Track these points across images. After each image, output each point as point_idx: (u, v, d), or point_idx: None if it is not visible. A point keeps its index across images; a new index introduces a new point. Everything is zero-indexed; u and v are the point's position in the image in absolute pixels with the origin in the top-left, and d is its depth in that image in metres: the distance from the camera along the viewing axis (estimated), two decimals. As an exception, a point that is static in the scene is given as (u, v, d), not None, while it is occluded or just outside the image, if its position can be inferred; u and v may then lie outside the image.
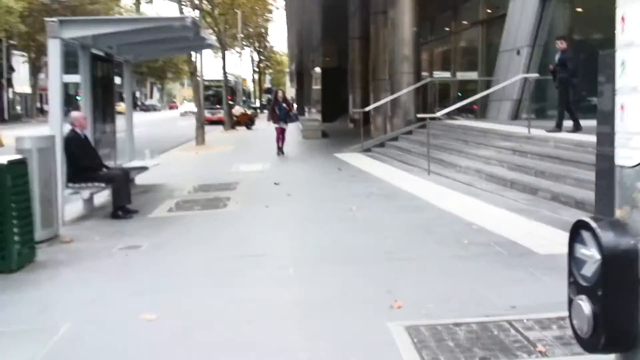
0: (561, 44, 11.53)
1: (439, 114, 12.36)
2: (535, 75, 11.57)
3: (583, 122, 11.68)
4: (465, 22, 21.93)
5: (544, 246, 5.84)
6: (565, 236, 6.14)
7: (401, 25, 18.76)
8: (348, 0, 22.43)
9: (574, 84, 11.53)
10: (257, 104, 59.17)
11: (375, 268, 5.43)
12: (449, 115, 18.46)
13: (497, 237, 6.31)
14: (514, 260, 5.48)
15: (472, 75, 20.76)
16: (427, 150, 11.87)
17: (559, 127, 11.52)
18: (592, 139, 10.19)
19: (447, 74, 23.23)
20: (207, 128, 26.93)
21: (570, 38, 14.59)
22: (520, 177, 9.39)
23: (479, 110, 17.66)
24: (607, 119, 5.38)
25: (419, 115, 14.22)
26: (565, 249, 2.14)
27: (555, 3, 14.72)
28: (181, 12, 24.07)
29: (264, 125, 32.35)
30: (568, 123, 11.40)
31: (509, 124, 13.91)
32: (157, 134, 27.41)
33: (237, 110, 35.08)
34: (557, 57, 11.64)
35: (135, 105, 75.67)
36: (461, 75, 22.55)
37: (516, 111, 15.80)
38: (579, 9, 14.83)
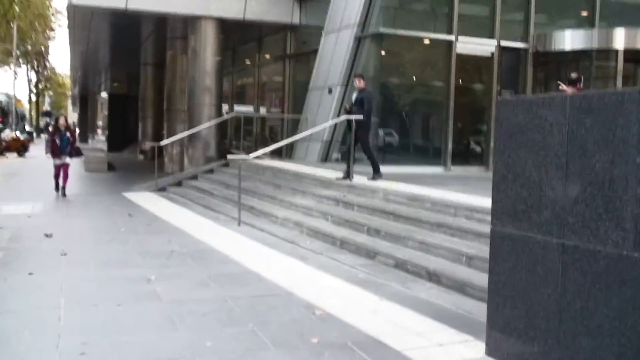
0: (359, 82, 10.62)
1: (252, 155, 10.75)
2: (359, 116, 10.47)
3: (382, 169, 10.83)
4: (270, 56, 20.80)
5: (421, 350, 4.37)
6: (439, 329, 4.73)
7: (203, 54, 17.09)
8: (141, 22, 20.22)
9: (369, 125, 10.67)
10: (33, 128, 53.44)
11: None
12: (250, 153, 17.12)
13: (354, 331, 4.74)
14: (392, 378, 3.92)
15: (279, 111, 19.58)
16: (238, 195, 10.16)
17: (377, 173, 10.50)
18: (425, 191, 9.31)
19: (250, 108, 21.87)
20: (-33, 154, 22.86)
21: (386, 78, 13.95)
22: (352, 236, 8.03)
23: (286, 150, 16.37)
24: (512, 181, 4.09)
25: (230, 157, 12.52)
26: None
27: (369, 42, 13.98)
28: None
29: (40, 153, 28.60)
30: (358, 168, 10.54)
31: (322, 167, 12.72)
32: None
33: (7, 134, 30.71)
34: (354, 96, 10.70)
35: None
36: (266, 111, 21.33)
37: (326, 153, 14.78)
38: (393, 50, 14.26)
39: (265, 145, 20.95)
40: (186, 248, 8.02)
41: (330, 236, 8.23)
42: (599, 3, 15.36)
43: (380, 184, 10.00)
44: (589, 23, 15.40)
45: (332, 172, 11.13)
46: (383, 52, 13.69)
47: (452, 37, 13.79)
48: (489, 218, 7.28)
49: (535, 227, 3.91)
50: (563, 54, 14.95)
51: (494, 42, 14.28)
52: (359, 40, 13.99)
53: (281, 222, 9.56)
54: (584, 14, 15.84)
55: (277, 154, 16.52)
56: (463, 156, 14.81)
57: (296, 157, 15.81)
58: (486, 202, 8.22)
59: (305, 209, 9.74)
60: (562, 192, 3.72)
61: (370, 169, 10.58)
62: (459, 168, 14.07)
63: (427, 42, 14.10)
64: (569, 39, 14.72)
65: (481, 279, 5.83)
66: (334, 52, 14.75)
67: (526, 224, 3.97)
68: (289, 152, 16.09)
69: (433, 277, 6.28)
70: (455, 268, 6.33)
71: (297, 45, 18.33)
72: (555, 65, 15.71)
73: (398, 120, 14.31)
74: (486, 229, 7.02)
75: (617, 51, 14.07)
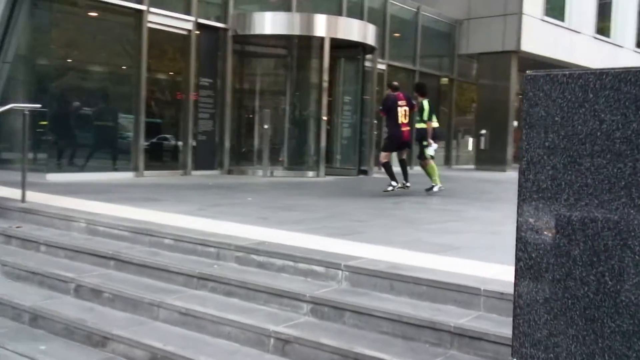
0: None
1: None
2: (36, 105, 7.12)
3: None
4: None
5: None
6: None
7: None
8: None
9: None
10: None
11: None
12: None
13: None
14: None
15: None
16: None
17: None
18: (150, 215, 6.34)
19: None
20: None
21: (55, 55, 10.51)
22: (50, 303, 4.88)
23: None
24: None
25: None
26: None
27: (30, 5, 10.36)
28: None
29: None
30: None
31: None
32: None
33: None
34: None
35: None
36: None
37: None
38: (65, 17, 10.82)
39: None
40: None
41: (10, 305, 4.95)
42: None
43: (73, 204, 6.88)
44: (285, 6, 13.92)
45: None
46: (51, 19, 10.20)
47: (143, 7, 10.94)
48: (270, 261, 4.94)
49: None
50: (264, 38, 13.25)
51: (192, 18, 11.82)
52: (14, 2, 10.26)
53: None
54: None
55: None
56: (156, 158, 12.06)
57: None
58: (248, 231, 5.79)
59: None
60: None
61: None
62: (153, 173, 11.35)
63: (111, 9, 10.95)
64: (270, 22, 13.04)
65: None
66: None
67: None
68: None
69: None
70: (264, 362, 3.83)
71: None
72: (256, 50, 13.98)
73: (71, 113, 10.90)
74: (289, 284, 4.59)
75: (322, 38, 12.81)
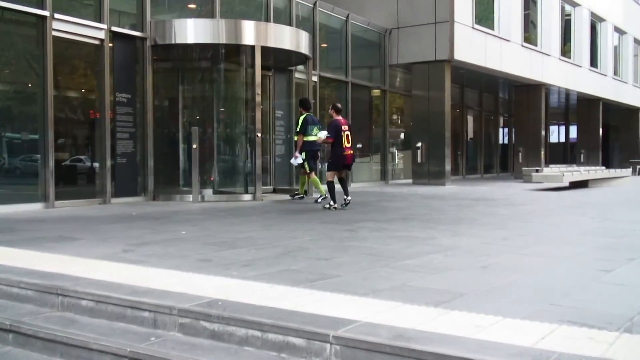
0: None
1: None
2: None
3: None
4: None
5: None
6: None
7: None
8: None
9: None
10: None
11: None
12: None
13: None
14: None
15: None
16: None
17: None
18: (67, 266, 4.95)
19: None
20: None
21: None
22: None
23: None
24: None
25: None
26: None
27: None
28: None
29: None
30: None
31: None
32: None
33: None
34: None
35: None
36: None
37: None
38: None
39: None
40: None
41: None
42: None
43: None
44: (208, 14, 12.70)
45: None
46: None
47: (45, 12, 9.51)
48: (228, 330, 3.68)
49: None
50: (188, 47, 11.99)
51: (104, 26, 10.45)
52: None
53: None
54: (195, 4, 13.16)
55: None
56: (69, 185, 10.57)
57: None
58: (190, 282, 4.45)
59: None
60: None
61: None
62: (66, 202, 9.90)
63: (7, 17, 9.47)
64: (193, 30, 11.80)
65: None
66: None
67: None
68: None
69: None
70: None
71: None
72: (179, 62, 12.69)
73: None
74: None
75: (252, 47, 11.68)
